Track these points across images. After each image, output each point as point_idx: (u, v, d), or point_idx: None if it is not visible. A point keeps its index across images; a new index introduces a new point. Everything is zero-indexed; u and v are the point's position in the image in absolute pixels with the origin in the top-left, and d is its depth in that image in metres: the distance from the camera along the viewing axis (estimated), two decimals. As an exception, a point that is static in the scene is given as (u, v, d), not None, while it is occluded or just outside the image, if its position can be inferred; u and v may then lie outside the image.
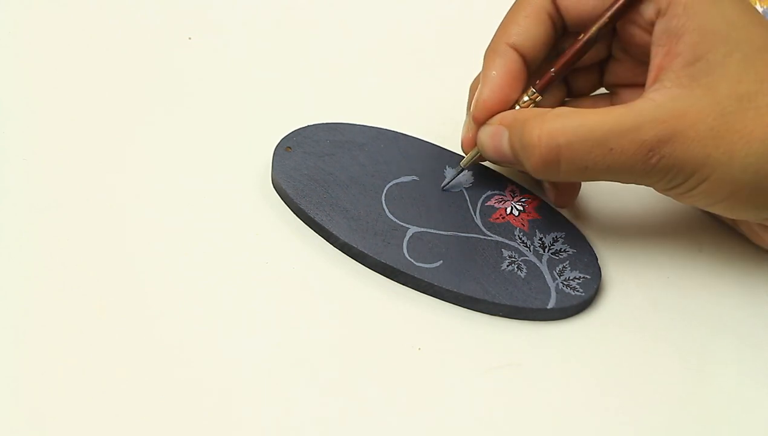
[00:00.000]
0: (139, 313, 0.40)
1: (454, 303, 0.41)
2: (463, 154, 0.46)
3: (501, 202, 0.44)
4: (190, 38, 0.53)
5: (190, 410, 0.38)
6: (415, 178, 0.45)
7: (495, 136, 0.41)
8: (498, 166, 0.46)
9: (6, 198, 0.44)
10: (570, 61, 0.42)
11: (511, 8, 0.43)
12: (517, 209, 0.44)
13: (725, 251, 0.44)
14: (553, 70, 0.42)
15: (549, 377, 0.40)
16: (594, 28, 0.41)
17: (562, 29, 0.43)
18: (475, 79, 0.45)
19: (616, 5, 0.40)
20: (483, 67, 0.43)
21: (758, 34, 0.39)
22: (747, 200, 0.39)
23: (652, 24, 0.40)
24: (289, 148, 0.45)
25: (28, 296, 0.41)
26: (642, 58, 0.42)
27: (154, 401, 0.38)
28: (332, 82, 0.51)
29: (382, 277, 0.42)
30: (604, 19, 0.41)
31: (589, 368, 0.40)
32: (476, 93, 0.42)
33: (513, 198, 0.44)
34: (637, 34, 0.41)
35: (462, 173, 0.45)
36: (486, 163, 0.46)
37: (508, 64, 0.42)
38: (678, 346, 0.41)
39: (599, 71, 0.45)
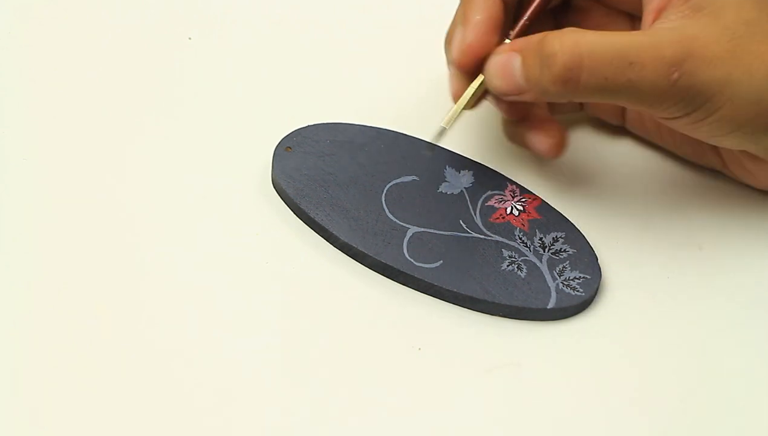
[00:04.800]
0: (138, 313, 0.40)
1: (454, 303, 0.41)
2: (464, 155, 0.46)
3: (501, 202, 0.44)
4: (190, 38, 0.53)
5: (190, 410, 0.38)
6: (415, 178, 0.45)
7: (506, 64, 0.40)
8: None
9: (6, 198, 0.44)
10: (541, 6, 0.42)
11: None
12: (517, 209, 0.44)
13: (725, 251, 0.44)
14: (526, 17, 0.42)
15: (549, 377, 0.40)
16: None
17: None
18: (450, 30, 0.44)
19: None
20: (463, 11, 0.42)
21: None
22: (766, 125, 0.38)
23: None
24: (289, 148, 0.45)
25: (28, 295, 0.41)
26: (616, 6, 0.41)
27: (153, 401, 0.38)
28: (332, 82, 0.51)
29: (382, 277, 0.42)
30: None
31: (589, 368, 0.40)
32: (457, 38, 0.41)
33: (513, 198, 0.44)
34: None
35: (463, 173, 0.45)
36: (486, 163, 0.46)
37: (491, 9, 0.41)
38: (678, 346, 0.41)
39: (553, 23, 0.44)
